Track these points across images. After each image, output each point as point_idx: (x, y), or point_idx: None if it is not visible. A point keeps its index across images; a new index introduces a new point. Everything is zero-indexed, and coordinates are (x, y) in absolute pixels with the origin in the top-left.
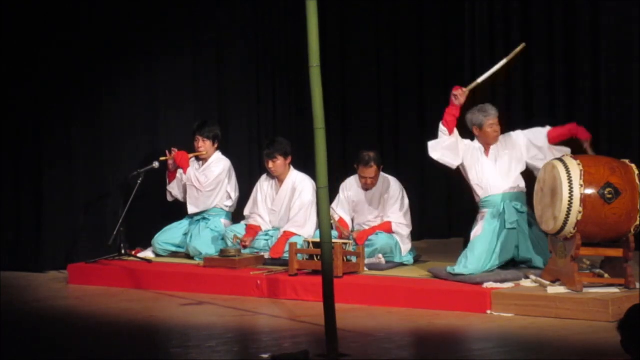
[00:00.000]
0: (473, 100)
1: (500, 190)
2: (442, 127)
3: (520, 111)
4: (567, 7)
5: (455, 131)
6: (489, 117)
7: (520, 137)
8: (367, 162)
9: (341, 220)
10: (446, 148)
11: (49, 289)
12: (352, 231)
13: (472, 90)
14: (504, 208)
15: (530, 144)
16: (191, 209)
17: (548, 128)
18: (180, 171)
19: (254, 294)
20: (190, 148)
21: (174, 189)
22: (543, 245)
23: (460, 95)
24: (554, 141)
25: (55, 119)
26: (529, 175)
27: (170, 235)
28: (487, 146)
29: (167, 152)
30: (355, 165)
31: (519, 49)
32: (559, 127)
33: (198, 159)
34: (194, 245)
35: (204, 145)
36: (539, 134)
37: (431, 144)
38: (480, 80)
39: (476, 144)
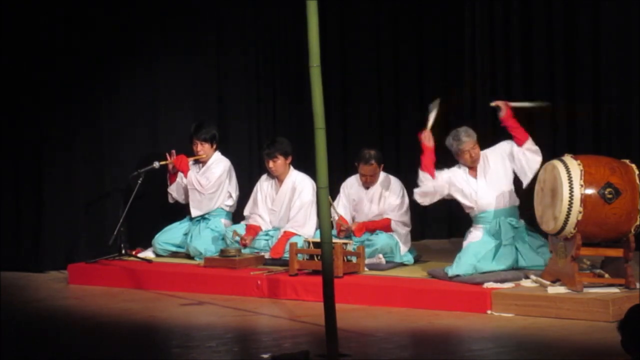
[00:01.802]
0: (473, 110)
1: (492, 207)
2: (423, 174)
3: (521, 112)
4: (567, 7)
5: (436, 172)
6: (461, 144)
7: (499, 148)
8: (368, 159)
9: (341, 218)
10: (433, 192)
11: (49, 289)
12: (353, 222)
13: (434, 125)
14: (499, 225)
15: (508, 153)
16: (194, 212)
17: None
18: (180, 174)
19: (254, 294)
20: (190, 149)
21: (173, 192)
22: (541, 251)
23: (427, 137)
24: (516, 140)
25: (55, 119)
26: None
27: (170, 235)
28: (471, 168)
29: (167, 155)
30: (356, 163)
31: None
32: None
33: (197, 161)
34: (194, 245)
35: (202, 148)
36: (511, 144)
37: (418, 193)
38: (431, 119)
39: (460, 168)
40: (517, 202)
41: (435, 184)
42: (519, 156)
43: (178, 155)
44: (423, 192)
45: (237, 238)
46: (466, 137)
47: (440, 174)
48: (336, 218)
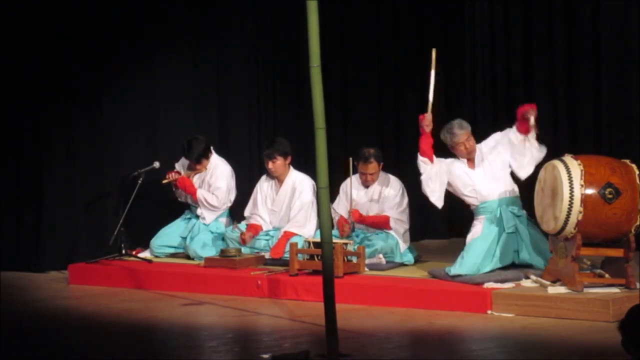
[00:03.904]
0: (473, 109)
1: (494, 196)
2: (421, 159)
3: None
4: (567, 7)
5: (435, 158)
6: (454, 137)
7: (492, 140)
8: (367, 158)
9: (342, 218)
10: (435, 179)
11: (49, 289)
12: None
13: (433, 109)
14: (500, 213)
15: (505, 142)
16: (209, 220)
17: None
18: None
19: (254, 294)
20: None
21: (181, 196)
22: (543, 247)
23: (426, 122)
24: (520, 128)
25: (55, 119)
26: (528, 176)
27: (165, 239)
28: (468, 159)
29: (168, 174)
30: (355, 162)
31: (433, 55)
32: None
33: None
34: (194, 247)
35: (200, 166)
36: (508, 131)
37: (423, 181)
38: (431, 98)
39: (458, 161)
40: (517, 191)
41: (436, 170)
42: (522, 144)
43: (180, 178)
44: (427, 179)
45: (237, 231)
46: (459, 130)
47: (440, 161)
48: (336, 218)
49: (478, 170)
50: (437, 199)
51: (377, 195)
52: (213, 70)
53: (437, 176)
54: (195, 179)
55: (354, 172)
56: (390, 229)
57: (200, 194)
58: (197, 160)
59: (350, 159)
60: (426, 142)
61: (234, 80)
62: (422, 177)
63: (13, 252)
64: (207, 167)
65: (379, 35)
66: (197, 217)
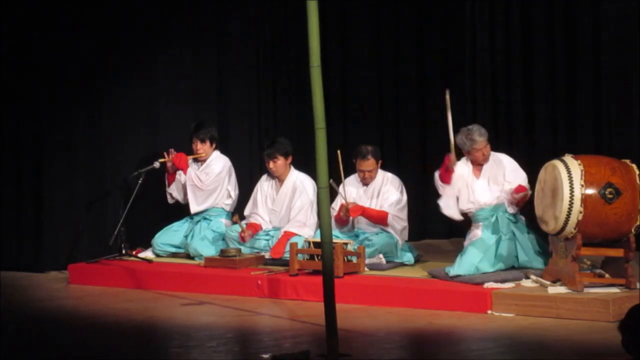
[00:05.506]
0: (473, 111)
1: (492, 203)
2: (441, 184)
3: (521, 110)
4: (567, 7)
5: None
6: (475, 143)
7: (507, 162)
8: (365, 154)
9: (338, 214)
10: (453, 200)
11: (50, 289)
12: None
13: (456, 149)
14: (497, 219)
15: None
16: (193, 208)
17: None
18: (179, 172)
19: (254, 294)
20: (190, 148)
21: (173, 191)
22: (542, 249)
23: (451, 162)
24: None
25: (55, 119)
26: (529, 176)
27: (169, 237)
28: (478, 166)
29: (165, 154)
30: (354, 160)
31: (447, 97)
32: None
33: (196, 160)
34: (194, 246)
35: (202, 147)
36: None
37: (444, 209)
38: (452, 138)
39: (465, 166)
40: None
41: (454, 190)
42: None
43: (177, 153)
44: (445, 203)
45: (237, 227)
46: (479, 137)
47: (455, 181)
48: (334, 215)
49: (482, 179)
50: (458, 215)
51: (376, 193)
52: (213, 70)
53: (453, 197)
54: (191, 168)
55: (355, 166)
56: (387, 225)
57: (191, 170)
58: (203, 138)
59: (339, 151)
60: (448, 175)
61: (235, 80)
62: (442, 202)
63: (13, 252)
64: (208, 157)
65: (379, 35)
66: (202, 219)
